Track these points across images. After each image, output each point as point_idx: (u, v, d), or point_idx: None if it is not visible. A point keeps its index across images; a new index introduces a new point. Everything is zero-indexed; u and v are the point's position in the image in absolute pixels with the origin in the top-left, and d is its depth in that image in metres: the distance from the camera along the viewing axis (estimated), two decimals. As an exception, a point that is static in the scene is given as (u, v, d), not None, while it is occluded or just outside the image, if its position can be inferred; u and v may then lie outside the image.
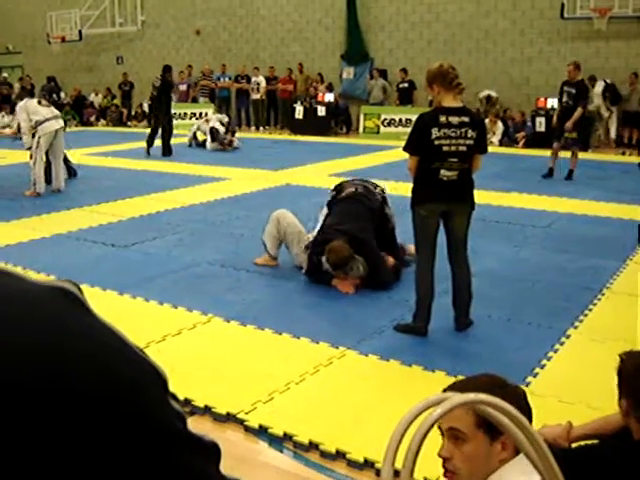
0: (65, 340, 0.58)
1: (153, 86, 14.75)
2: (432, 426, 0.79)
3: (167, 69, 15.07)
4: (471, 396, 0.82)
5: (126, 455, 0.57)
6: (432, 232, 4.90)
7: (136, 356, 0.63)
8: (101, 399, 0.56)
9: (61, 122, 10.56)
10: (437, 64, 4.92)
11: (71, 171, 11.91)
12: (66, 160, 11.45)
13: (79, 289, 0.65)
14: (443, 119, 4.67)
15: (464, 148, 4.71)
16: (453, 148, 4.67)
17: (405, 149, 4.88)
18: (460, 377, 4.24)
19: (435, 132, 4.64)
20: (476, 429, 1.86)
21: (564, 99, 11.58)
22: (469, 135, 4.71)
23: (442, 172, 4.69)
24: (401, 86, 19.40)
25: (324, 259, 5.95)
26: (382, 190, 6.67)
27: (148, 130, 15.26)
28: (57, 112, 10.70)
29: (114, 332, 0.63)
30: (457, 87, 4.81)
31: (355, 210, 6.31)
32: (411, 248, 5.87)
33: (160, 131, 14.83)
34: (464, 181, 4.83)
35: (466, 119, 4.73)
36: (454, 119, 4.68)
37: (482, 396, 0.79)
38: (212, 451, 0.68)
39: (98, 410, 0.56)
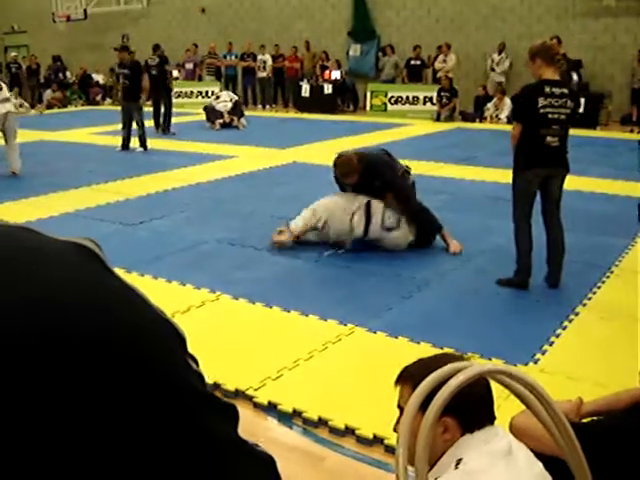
0: (80, 292, 0.57)
1: (150, 65, 14.84)
2: (450, 396, 0.79)
3: (158, 47, 15.58)
4: (489, 365, 0.82)
5: (141, 408, 0.57)
6: (532, 194, 5.39)
7: (155, 314, 0.63)
8: (118, 349, 0.56)
9: (8, 106, 10.26)
10: (540, 41, 5.43)
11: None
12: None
13: (99, 247, 0.65)
14: (548, 89, 5.17)
15: (564, 117, 5.23)
16: (556, 116, 5.19)
17: (513, 117, 5.64)
18: (469, 354, 4.26)
19: (541, 101, 5.15)
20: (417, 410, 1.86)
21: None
22: (568, 105, 5.23)
23: (547, 139, 5.20)
24: (412, 63, 19.23)
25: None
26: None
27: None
28: (7, 95, 10.48)
29: (132, 289, 0.63)
30: (558, 62, 5.47)
31: None
32: None
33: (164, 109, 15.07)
34: (563, 147, 5.32)
35: (566, 91, 5.26)
36: (556, 90, 5.19)
37: (500, 366, 0.79)
38: (231, 413, 0.68)
39: (115, 359, 0.56)
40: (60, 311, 0.55)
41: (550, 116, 5.16)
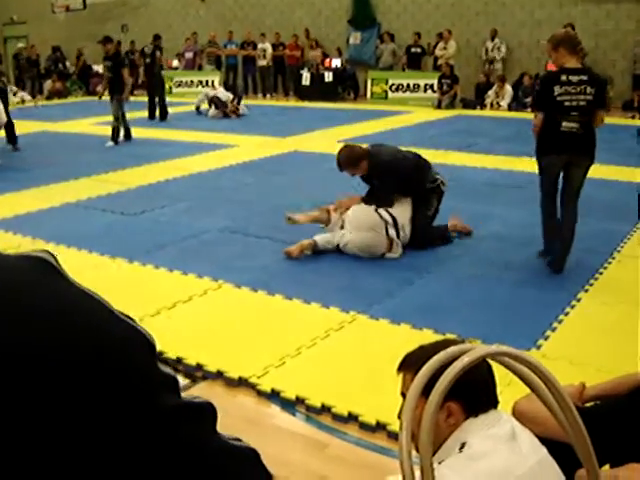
0: (40, 304, 0.57)
1: (146, 54, 14.98)
2: (455, 378, 0.79)
3: (158, 37, 15.99)
4: (493, 347, 0.82)
5: (114, 428, 0.57)
6: (553, 178, 5.54)
7: (117, 320, 0.62)
8: (80, 362, 0.56)
9: None
10: (563, 30, 5.69)
11: (128, 133, 12.67)
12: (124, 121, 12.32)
13: (54, 258, 0.64)
14: (564, 78, 5.26)
15: (583, 103, 5.27)
16: (574, 103, 5.26)
17: (532, 107, 5.82)
18: (472, 340, 4.26)
19: (557, 89, 5.25)
20: (420, 396, 1.86)
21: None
22: (588, 92, 5.27)
23: (564, 124, 5.27)
24: (413, 50, 19.16)
25: None
26: None
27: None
28: None
29: (92, 297, 0.62)
30: (581, 51, 5.53)
31: None
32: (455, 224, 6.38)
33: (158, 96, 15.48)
34: (585, 134, 5.34)
35: (585, 77, 5.29)
36: (574, 77, 5.26)
37: (505, 348, 0.79)
38: (204, 413, 0.67)
39: (83, 381, 0.55)
40: (24, 330, 0.55)
41: (567, 104, 5.25)
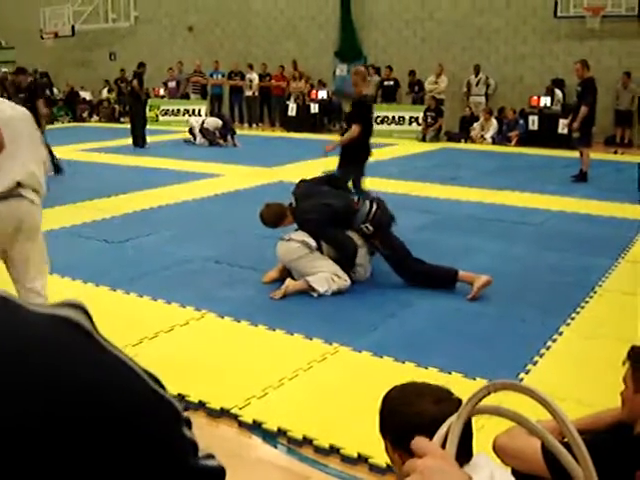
0: (76, 381, 0.56)
1: (127, 81, 15.12)
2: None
3: (141, 65, 16.06)
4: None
5: None
6: None
7: (146, 387, 0.61)
8: (110, 431, 0.56)
9: None
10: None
11: (57, 168, 11.77)
12: (52, 156, 11.37)
13: (86, 313, 0.62)
14: None
15: None
16: None
17: None
18: (454, 373, 4.28)
19: None
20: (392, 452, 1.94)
21: (574, 98, 11.53)
22: None
23: None
24: (386, 84, 19.40)
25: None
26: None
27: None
28: None
29: (124, 363, 0.61)
30: None
31: None
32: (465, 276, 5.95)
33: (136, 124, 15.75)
34: None
35: None
36: None
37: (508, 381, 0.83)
38: (217, 478, 0.68)
39: (116, 454, 0.56)
40: (57, 401, 0.54)
41: None
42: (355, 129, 7.92)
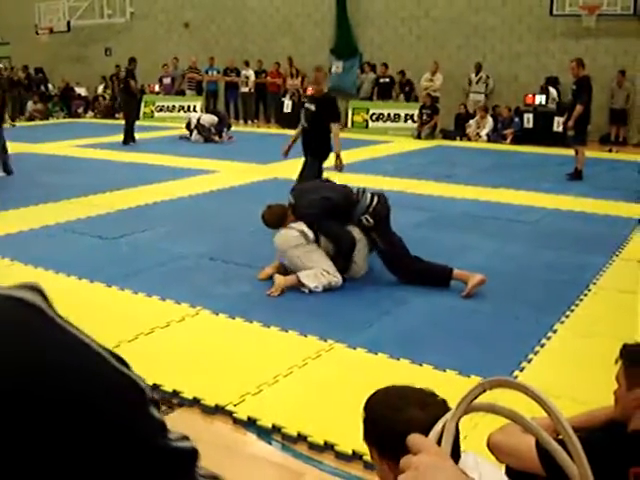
0: (30, 363, 0.54)
1: (119, 78, 15.11)
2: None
3: (132, 60, 15.87)
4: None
5: (105, 467, 0.57)
6: None
7: (108, 366, 0.60)
8: (74, 413, 0.55)
9: None
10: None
11: (6, 168, 11.55)
12: (6, 155, 11.37)
13: (43, 295, 0.60)
14: None
15: None
16: None
17: None
18: (448, 371, 4.29)
19: None
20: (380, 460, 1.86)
21: (570, 96, 11.54)
22: None
23: None
24: (382, 81, 19.39)
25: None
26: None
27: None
28: None
29: (85, 344, 0.59)
30: None
31: None
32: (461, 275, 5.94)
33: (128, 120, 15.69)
34: None
35: None
36: None
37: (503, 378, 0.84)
38: (189, 459, 0.67)
39: (76, 432, 0.55)
40: (16, 383, 0.53)
41: None
42: (337, 128, 8.22)
